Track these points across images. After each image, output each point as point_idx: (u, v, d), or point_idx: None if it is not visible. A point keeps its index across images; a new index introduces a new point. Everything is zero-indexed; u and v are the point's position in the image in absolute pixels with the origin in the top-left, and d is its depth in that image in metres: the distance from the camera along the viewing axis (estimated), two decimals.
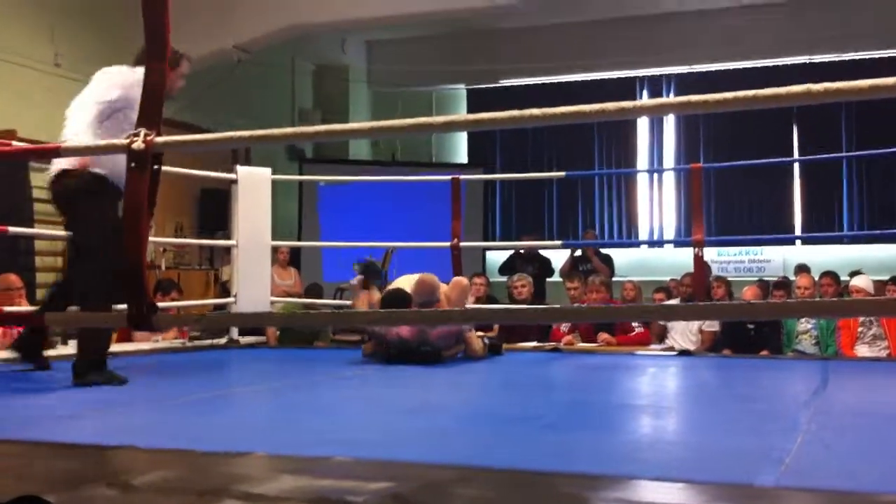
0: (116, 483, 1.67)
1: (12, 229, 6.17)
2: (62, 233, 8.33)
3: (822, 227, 11.70)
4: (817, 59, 11.30)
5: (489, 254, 12.05)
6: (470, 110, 12.77)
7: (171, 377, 4.40)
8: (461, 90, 13.43)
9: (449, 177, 6.60)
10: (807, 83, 1.98)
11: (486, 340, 5.44)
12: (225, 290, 8.93)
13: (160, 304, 2.49)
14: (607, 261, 9.72)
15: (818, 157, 10.69)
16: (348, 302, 7.95)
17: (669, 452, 2.34)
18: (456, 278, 5.35)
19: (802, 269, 8.91)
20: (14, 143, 5.58)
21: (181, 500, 1.53)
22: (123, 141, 2.35)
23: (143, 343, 5.96)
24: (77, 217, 3.94)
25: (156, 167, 2.37)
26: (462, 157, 13.56)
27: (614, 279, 9.16)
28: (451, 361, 4.90)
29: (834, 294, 6.91)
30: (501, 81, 12.85)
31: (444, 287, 5.11)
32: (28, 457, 2.06)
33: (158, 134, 2.32)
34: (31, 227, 7.87)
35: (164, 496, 1.57)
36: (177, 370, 4.69)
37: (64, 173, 3.84)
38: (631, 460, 2.15)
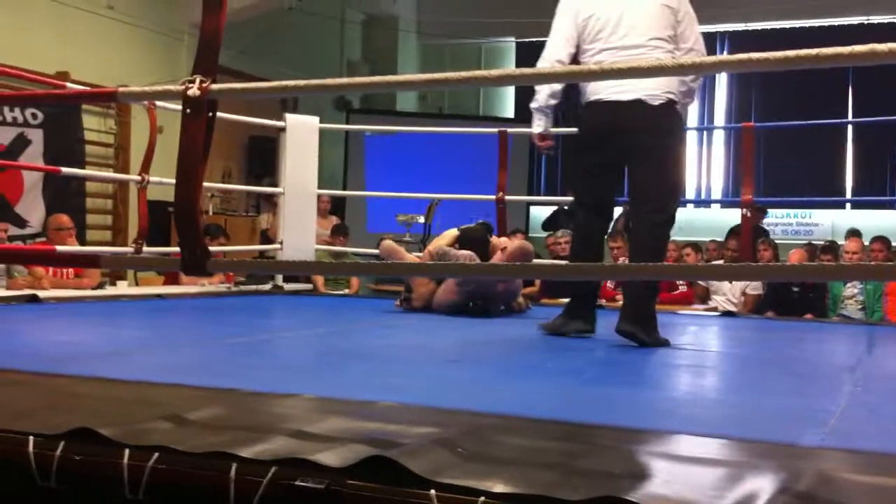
0: (168, 418, 1.71)
1: (65, 170, 6.29)
2: (112, 174, 8.55)
3: (872, 193, 11.50)
4: (875, 19, 11.04)
5: (532, 209, 12.02)
6: (518, 64, 12.62)
7: (216, 320, 4.47)
8: (510, 43, 13.29)
9: (496, 129, 6.60)
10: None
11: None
12: (265, 237, 9.01)
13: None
14: None
15: (872, 118, 10.45)
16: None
17: (711, 409, 2.35)
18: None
19: (854, 233, 8.72)
20: (68, 85, 5.67)
21: (233, 436, 1.56)
22: (178, 87, 2.34)
23: (189, 286, 6.07)
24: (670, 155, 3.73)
25: (210, 114, 2.36)
26: (509, 111, 13.47)
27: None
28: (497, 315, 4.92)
29: (884, 260, 6.83)
30: None
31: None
32: (77, 391, 2.11)
33: (214, 81, 2.32)
34: (83, 168, 8.01)
35: (216, 433, 1.61)
36: (222, 313, 4.77)
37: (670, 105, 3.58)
38: (672, 416, 2.16)
